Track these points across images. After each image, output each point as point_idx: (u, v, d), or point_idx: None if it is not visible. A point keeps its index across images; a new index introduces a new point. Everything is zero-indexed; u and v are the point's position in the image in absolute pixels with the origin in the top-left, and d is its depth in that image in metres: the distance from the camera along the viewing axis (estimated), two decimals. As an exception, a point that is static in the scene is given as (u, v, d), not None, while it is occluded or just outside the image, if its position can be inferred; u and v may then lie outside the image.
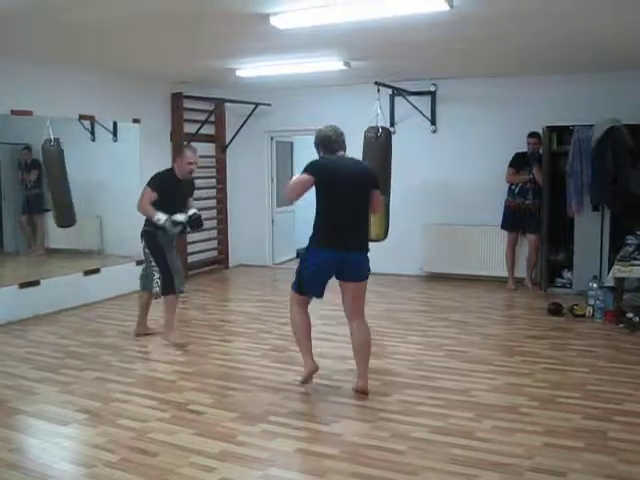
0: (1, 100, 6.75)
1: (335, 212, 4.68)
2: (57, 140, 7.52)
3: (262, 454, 3.85)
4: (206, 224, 9.63)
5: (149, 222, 6.05)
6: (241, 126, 9.85)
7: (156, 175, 6.14)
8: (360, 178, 4.75)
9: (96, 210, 8.86)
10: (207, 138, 9.69)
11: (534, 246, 8.36)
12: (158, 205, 5.95)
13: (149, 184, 6.06)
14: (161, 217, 5.90)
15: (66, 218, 7.85)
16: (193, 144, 9.11)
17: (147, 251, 6.12)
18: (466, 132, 8.96)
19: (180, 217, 6.00)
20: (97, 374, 5.36)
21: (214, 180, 9.99)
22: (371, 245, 7.35)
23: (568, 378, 5.10)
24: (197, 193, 9.41)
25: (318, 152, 4.90)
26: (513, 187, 8.39)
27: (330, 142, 4.82)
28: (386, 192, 7.24)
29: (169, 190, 6.03)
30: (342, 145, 4.88)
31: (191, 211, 6.16)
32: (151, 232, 6.06)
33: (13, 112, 6.90)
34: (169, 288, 6.08)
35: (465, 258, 8.99)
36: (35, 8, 4.79)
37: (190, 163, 6.13)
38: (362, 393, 4.77)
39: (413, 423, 4.26)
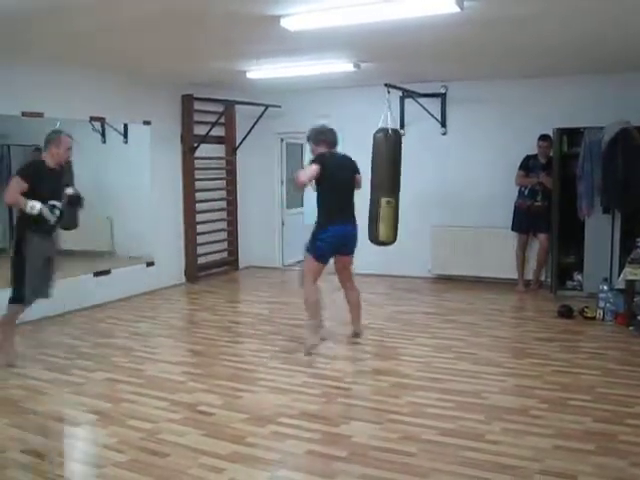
0: (12, 102, 6.78)
1: (337, 197, 5.91)
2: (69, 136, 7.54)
3: (272, 455, 3.86)
4: (216, 225, 9.72)
5: None
6: (251, 128, 9.86)
7: None
8: (348, 168, 6.05)
9: (106, 211, 8.89)
10: (217, 140, 9.71)
11: (544, 246, 8.34)
12: None
13: None
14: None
15: (70, 220, 7.92)
16: (202, 146, 9.23)
17: None
18: (476, 134, 8.96)
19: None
20: (107, 375, 5.38)
21: (224, 182, 10.00)
22: (380, 247, 7.40)
23: (578, 381, 5.08)
24: (208, 195, 9.50)
25: (314, 146, 6.02)
26: (523, 189, 8.37)
27: (331, 139, 6.01)
28: (395, 194, 7.24)
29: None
30: (337, 142, 6.10)
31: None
32: None
33: (24, 114, 6.94)
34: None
35: (474, 260, 8.96)
36: (45, 11, 4.81)
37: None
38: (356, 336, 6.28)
39: (423, 425, 4.25)
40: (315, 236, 5.86)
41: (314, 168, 5.77)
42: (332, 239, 5.81)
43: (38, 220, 5.40)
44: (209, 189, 9.60)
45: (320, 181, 5.83)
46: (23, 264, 5.45)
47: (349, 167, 6.06)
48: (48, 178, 5.52)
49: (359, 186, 6.20)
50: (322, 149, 5.94)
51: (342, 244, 5.91)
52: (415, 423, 4.29)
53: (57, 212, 5.55)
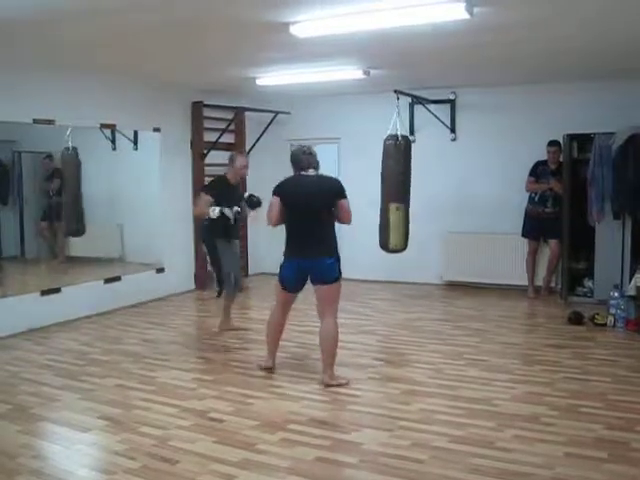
0: (24, 109, 6.83)
1: (296, 225, 5.25)
2: (75, 149, 7.60)
3: (282, 462, 3.86)
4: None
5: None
6: (261, 134, 9.88)
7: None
8: (320, 192, 5.21)
9: (117, 218, 8.91)
10: (227, 146, 9.71)
11: (555, 252, 8.31)
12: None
13: None
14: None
15: (76, 227, 7.99)
16: (212, 152, 9.26)
17: None
18: (486, 140, 8.94)
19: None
20: (118, 381, 5.39)
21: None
22: (390, 254, 7.38)
23: (589, 388, 5.06)
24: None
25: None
26: (533, 195, 8.36)
27: (301, 161, 5.29)
28: (405, 200, 7.24)
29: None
30: (312, 164, 5.29)
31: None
32: None
33: (35, 121, 6.99)
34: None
35: (485, 266, 8.94)
36: (57, 18, 4.84)
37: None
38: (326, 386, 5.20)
39: (433, 432, 4.24)
40: (281, 264, 5.37)
41: (273, 202, 5.28)
42: (296, 270, 5.25)
43: (225, 225, 6.36)
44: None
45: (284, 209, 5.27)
46: (220, 263, 6.61)
47: (321, 191, 5.20)
48: (228, 191, 6.39)
49: (344, 217, 5.28)
50: (295, 172, 5.35)
51: (309, 275, 5.25)
52: (425, 430, 4.29)
53: (234, 210, 6.33)
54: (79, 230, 8.15)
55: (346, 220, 5.31)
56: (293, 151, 5.43)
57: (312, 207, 5.17)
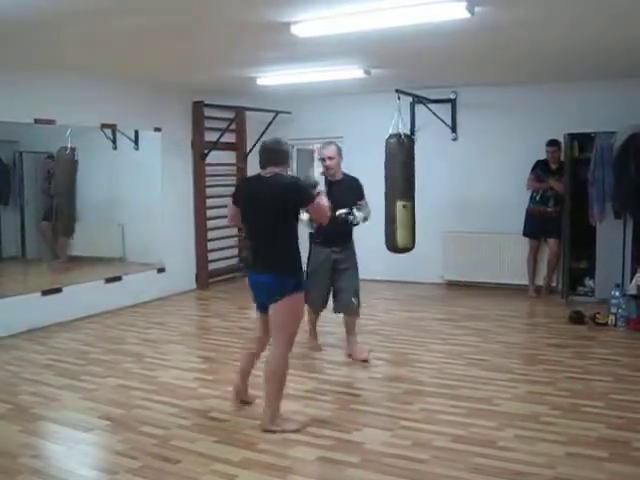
0: (25, 109, 6.83)
1: (250, 235, 4.57)
2: (72, 149, 7.59)
3: (283, 462, 3.86)
4: (227, 232, 9.72)
5: None
6: (262, 134, 9.84)
7: None
8: (273, 197, 4.31)
9: (118, 218, 8.92)
10: (228, 146, 9.73)
11: (554, 251, 8.31)
12: None
13: None
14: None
15: (65, 227, 8.01)
16: (213, 152, 9.25)
17: None
18: (487, 140, 8.94)
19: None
20: (119, 381, 5.39)
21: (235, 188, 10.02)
22: (392, 253, 7.30)
23: (591, 387, 5.06)
24: (219, 201, 9.51)
25: None
26: (534, 194, 8.36)
27: (260, 157, 4.52)
28: (411, 198, 7.21)
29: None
30: (272, 161, 4.44)
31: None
32: None
33: (37, 121, 6.99)
34: None
35: (486, 266, 8.94)
36: (55, 18, 4.84)
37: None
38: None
39: (435, 432, 4.24)
40: None
41: (229, 206, 4.74)
42: (252, 285, 4.52)
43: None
44: (220, 195, 9.61)
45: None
46: (307, 273, 5.63)
47: (272, 196, 4.29)
48: (331, 189, 5.64)
49: (316, 218, 4.67)
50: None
51: (256, 294, 4.53)
52: (427, 430, 4.29)
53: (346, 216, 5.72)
54: (68, 230, 8.16)
55: (320, 220, 4.65)
56: (261, 145, 4.64)
57: (262, 215, 4.34)
